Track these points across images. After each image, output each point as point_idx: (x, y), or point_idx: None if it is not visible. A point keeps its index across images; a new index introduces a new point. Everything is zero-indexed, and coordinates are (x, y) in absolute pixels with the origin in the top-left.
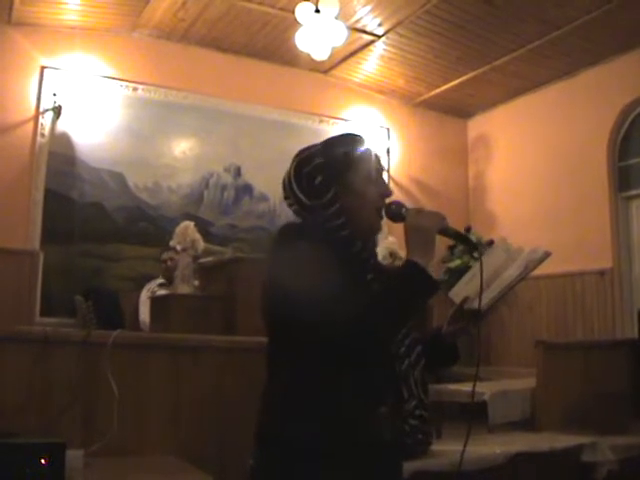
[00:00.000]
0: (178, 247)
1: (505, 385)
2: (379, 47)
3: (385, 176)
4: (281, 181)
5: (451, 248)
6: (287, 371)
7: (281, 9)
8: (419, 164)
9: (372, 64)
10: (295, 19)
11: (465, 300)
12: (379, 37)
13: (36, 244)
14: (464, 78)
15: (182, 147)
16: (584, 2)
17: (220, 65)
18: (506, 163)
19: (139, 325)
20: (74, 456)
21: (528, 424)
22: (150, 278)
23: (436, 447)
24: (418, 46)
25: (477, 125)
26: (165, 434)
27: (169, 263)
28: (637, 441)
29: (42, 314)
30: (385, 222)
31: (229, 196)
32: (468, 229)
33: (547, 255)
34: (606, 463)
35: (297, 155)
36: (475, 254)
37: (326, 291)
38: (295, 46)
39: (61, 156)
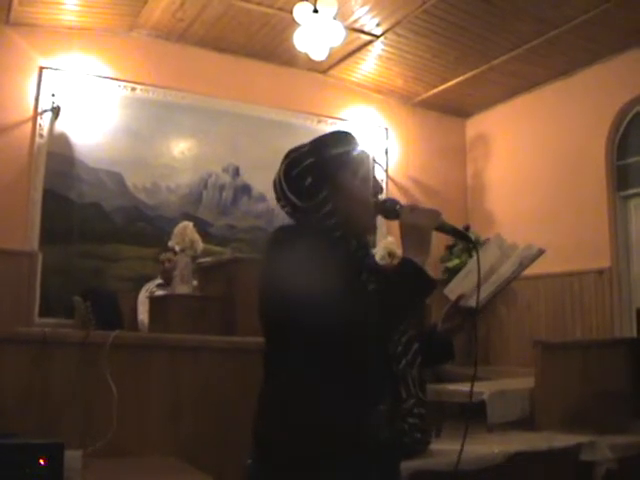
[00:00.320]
0: (177, 247)
1: (504, 385)
2: (377, 47)
3: (377, 173)
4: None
5: (450, 247)
6: (284, 372)
7: (279, 9)
8: (418, 164)
9: (370, 64)
10: (293, 19)
11: (460, 297)
12: (377, 37)
13: (35, 245)
14: (462, 78)
15: (180, 147)
16: (582, 1)
17: (218, 65)
18: (505, 162)
19: (137, 325)
20: (73, 456)
21: (527, 423)
22: (148, 278)
23: (435, 446)
24: (416, 46)
25: (475, 124)
26: (164, 434)
27: (167, 264)
28: (636, 440)
29: (41, 315)
30: (385, 222)
31: (227, 196)
32: (467, 228)
33: (541, 252)
34: (605, 462)
35: (286, 156)
36: (473, 249)
37: (323, 292)
38: (293, 46)
39: (59, 156)
